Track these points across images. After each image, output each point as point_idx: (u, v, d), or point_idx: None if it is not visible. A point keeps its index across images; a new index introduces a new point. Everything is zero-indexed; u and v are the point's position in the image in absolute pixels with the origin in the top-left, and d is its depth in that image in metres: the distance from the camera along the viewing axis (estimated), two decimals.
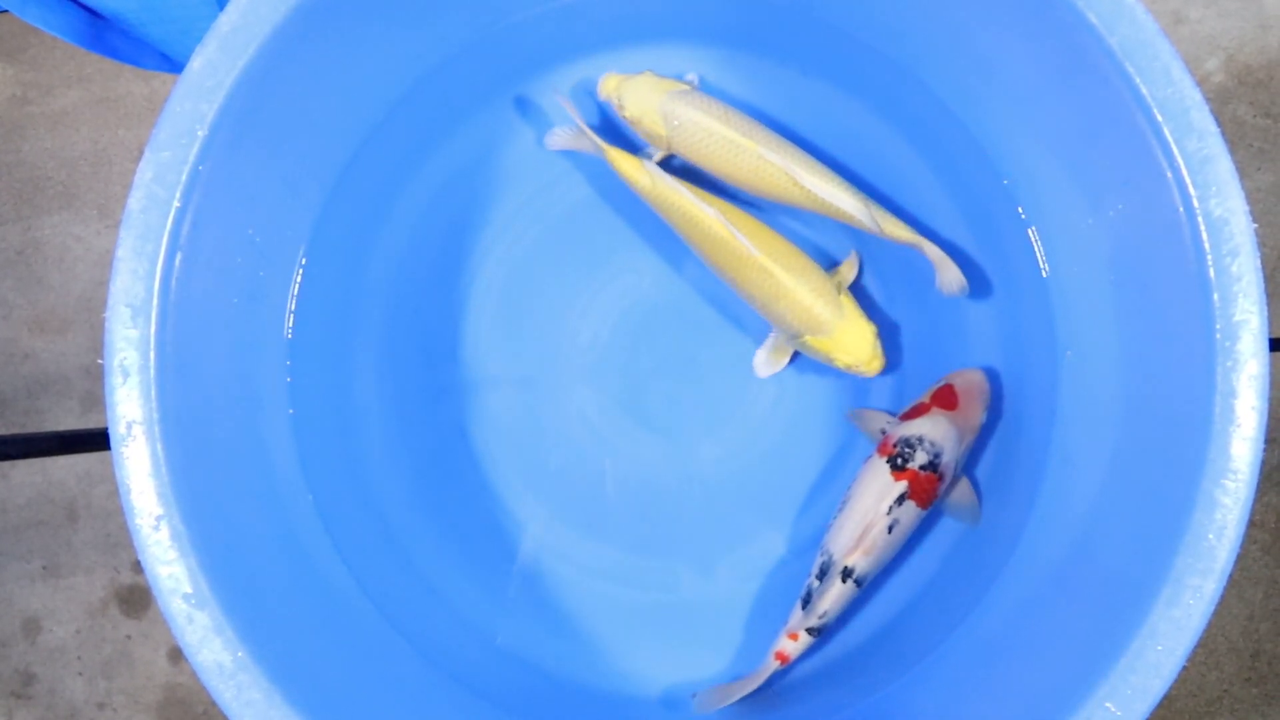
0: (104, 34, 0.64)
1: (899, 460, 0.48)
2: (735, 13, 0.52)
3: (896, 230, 0.50)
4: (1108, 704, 0.39)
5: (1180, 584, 0.39)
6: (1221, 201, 0.39)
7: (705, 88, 0.53)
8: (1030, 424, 0.51)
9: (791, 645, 0.48)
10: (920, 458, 0.47)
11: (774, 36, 0.52)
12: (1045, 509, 0.49)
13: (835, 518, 0.49)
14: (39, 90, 0.77)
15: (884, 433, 0.50)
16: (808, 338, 0.49)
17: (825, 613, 0.48)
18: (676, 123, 0.49)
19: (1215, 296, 0.39)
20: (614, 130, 0.54)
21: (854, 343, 0.49)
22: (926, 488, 0.47)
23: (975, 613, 0.49)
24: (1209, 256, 0.39)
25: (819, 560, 0.48)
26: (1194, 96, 0.39)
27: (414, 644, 0.50)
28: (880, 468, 0.48)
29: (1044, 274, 0.50)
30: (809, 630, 0.48)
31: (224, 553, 0.41)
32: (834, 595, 0.47)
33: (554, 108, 0.54)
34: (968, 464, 0.51)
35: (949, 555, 0.52)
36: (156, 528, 0.40)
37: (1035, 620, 0.46)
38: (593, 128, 0.51)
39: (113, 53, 0.64)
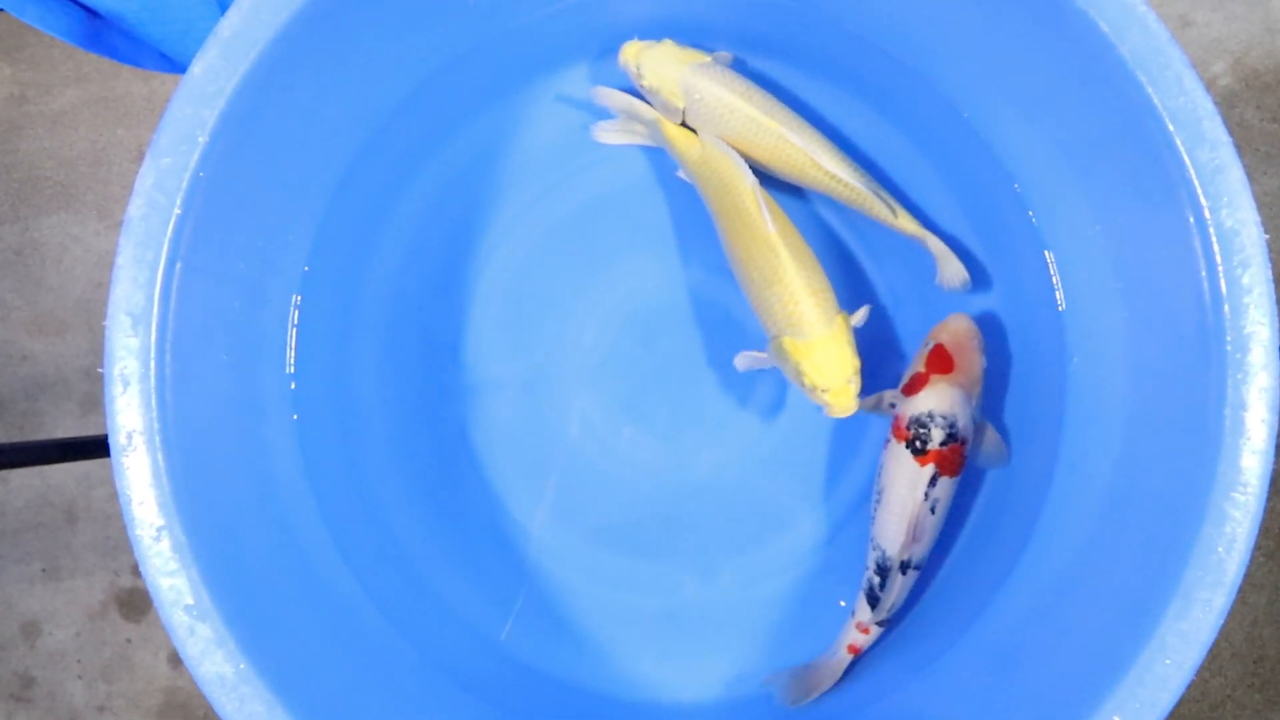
0: (103, 34, 0.63)
1: (918, 444, 0.47)
2: (745, 13, 0.51)
3: (905, 222, 0.50)
4: (1115, 717, 0.39)
5: (1189, 597, 0.38)
6: (1233, 212, 0.39)
7: None
8: (1036, 430, 0.51)
9: (862, 638, 0.49)
10: (937, 435, 0.47)
11: (784, 38, 0.52)
12: (1051, 518, 0.49)
13: (875, 511, 0.49)
14: (37, 89, 0.76)
15: (893, 406, 0.49)
16: (785, 339, 0.46)
17: (892, 605, 0.48)
18: (697, 96, 0.49)
19: (1226, 308, 0.39)
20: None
21: (829, 363, 0.45)
22: (952, 459, 0.47)
23: (980, 621, 0.49)
24: (1220, 268, 0.39)
25: (873, 555, 0.49)
26: (1206, 106, 0.39)
27: (419, 649, 0.49)
28: (903, 455, 0.48)
29: (1053, 279, 0.50)
30: (879, 623, 0.49)
31: (226, 563, 0.41)
32: (898, 588, 0.48)
33: (560, 108, 0.53)
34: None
35: (953, 559, 0.52)
36: (157, 538, 0.39)
37: (1042, 631, 0.46)
38: (592, 123, 0.51)
39: (112, 53, 0.64)
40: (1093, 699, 0.39)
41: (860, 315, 0.48)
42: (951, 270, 0.50)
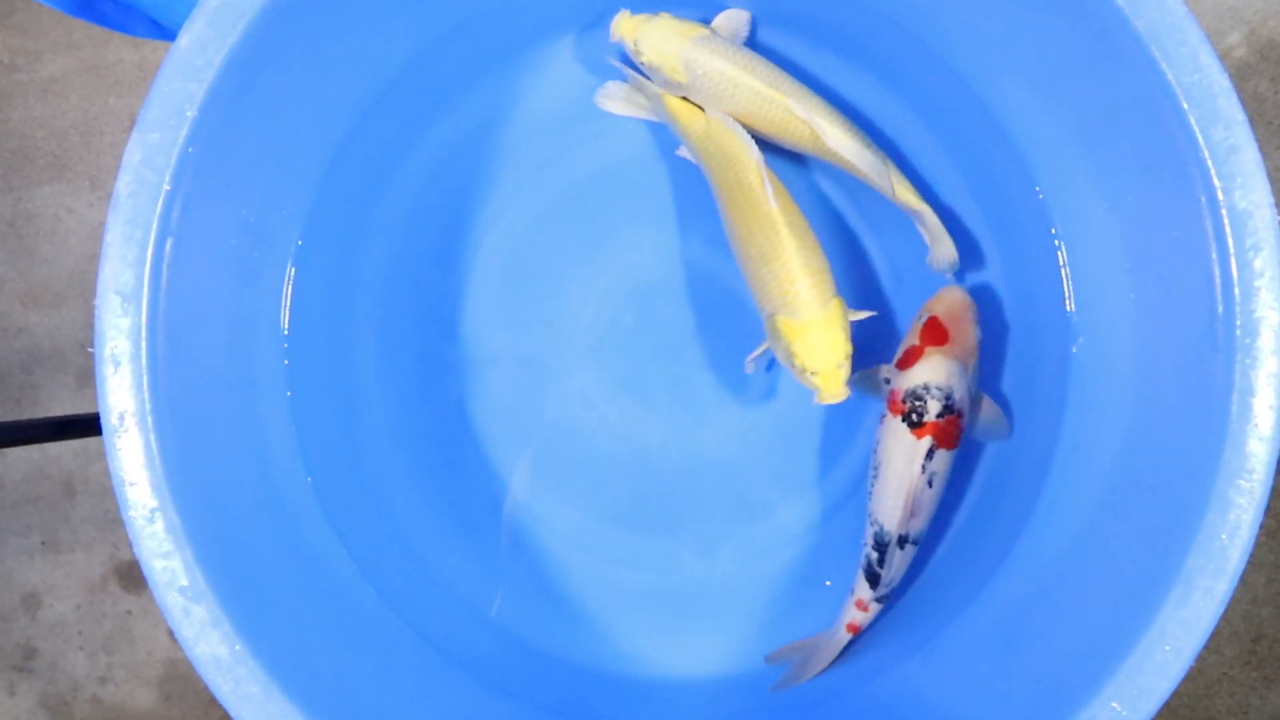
0: (92, 0, 0.62)
1: (914, 417, 0.47)
2: None
3: (906, 195, 0.49)
4: (1113, 703, 0.38)
5: (1191, 584, 0.38)
6: (1246, 194, 0.38)
7: None
8: (1039, 410, 0.50)
9: (861, 616, 0.49)
10: (933, 407, 0.46)
11: (787, 7, 0.51)
12: (1051, 500, 0.48)
13: (872, 486, 0.48)
14: (27, 57, 0.75)
15: (888, 382, 0.49)
16: (779, 317, 0.46)
17: (891, 580, 0.48)
18: (700, 72, 0.48)
19: (1236, 292, 0.38)
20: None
21: (821, 345, 0.45)
22: (950, 431, 0.47)
23: (978, 600, 0.49)
24: (1231, 250, 0.38)
25: (870, 531, 0.48)
26: (1222, 83, 0.38)
27: (415, 629, 0.49)
28: (899, 429, 0.47)
29: (1059, 258, 0.49)
30: (878, 600, 0.49)
31: (221, 544, 0.41)
32: (896, 563, 0.48)
33: (561, 78, 0.52)
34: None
35: (952, 537, 0.51)
36: (151, 520, 0.39)
37: (1041, 613, 0.45)
38: (592, 93, 0.51)
39: (101, 19, 0.62)
40: (1091, 684, 0.39)
41: (859, 314, 0.48)
42: (942, 251, 0.49)
